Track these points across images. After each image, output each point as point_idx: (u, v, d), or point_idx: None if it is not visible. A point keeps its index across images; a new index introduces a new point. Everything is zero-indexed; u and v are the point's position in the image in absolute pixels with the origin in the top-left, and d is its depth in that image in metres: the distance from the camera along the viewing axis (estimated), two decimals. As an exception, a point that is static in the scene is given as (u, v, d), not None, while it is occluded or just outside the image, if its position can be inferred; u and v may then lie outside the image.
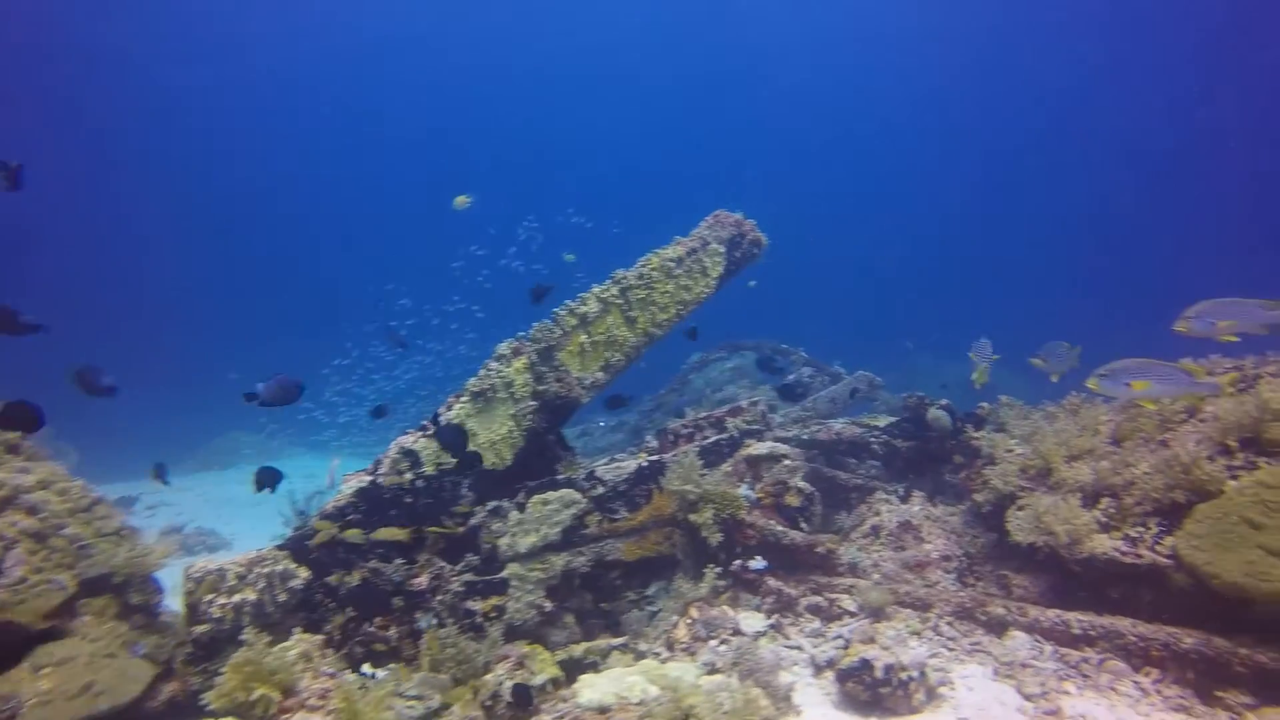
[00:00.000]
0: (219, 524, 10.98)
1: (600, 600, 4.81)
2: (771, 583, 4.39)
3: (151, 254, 34.65)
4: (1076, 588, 4.39)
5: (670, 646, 4.21)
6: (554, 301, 5.12)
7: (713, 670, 3.58)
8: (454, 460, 4.40)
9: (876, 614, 4.24)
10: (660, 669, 2.97)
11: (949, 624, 4.18)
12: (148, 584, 3.66)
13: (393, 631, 4.17)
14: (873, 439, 6.77)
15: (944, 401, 6.30)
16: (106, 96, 31.74)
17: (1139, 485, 4.18)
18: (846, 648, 3.76)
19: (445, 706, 3.40)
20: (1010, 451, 5.11)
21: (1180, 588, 3.87)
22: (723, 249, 5.74)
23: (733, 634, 4.17)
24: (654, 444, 5.66)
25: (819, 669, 3.79)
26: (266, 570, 3.74)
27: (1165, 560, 3.91)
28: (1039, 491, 4.69)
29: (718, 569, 4.46)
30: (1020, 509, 4.56)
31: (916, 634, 4.11)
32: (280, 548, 3.96)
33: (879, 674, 3.44)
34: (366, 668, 3.67)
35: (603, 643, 4.47)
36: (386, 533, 3.90)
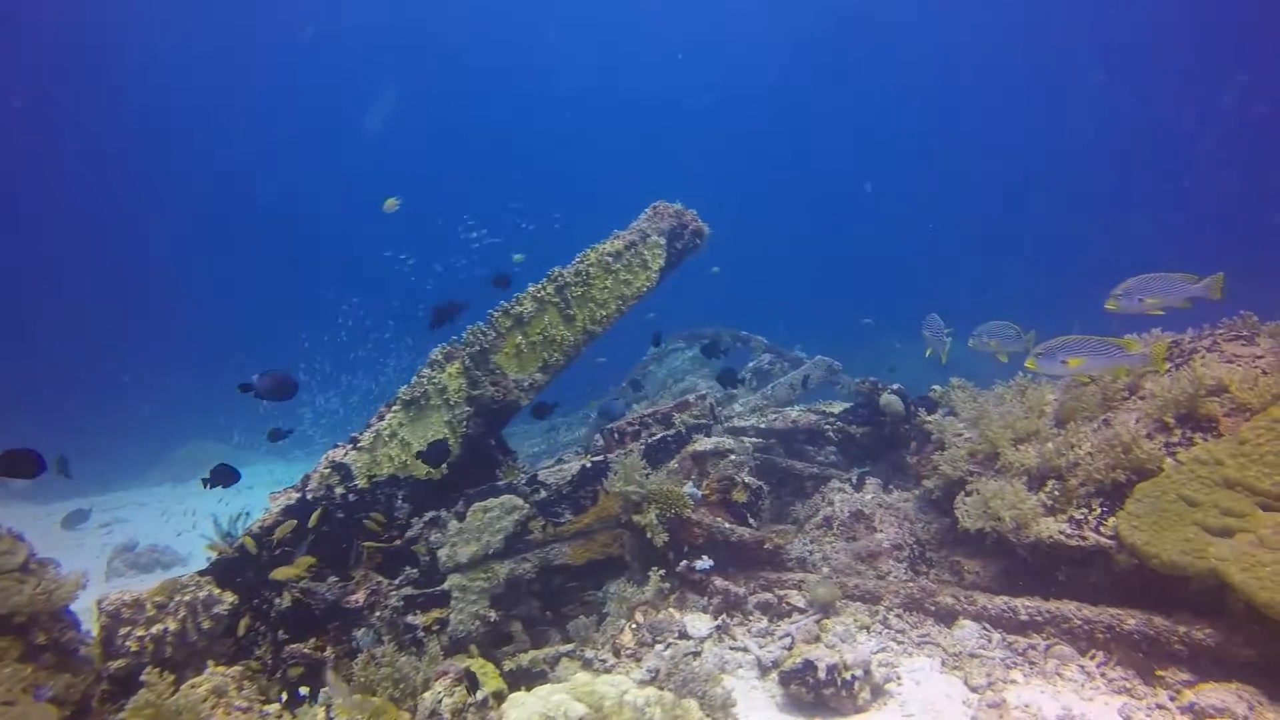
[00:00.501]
0: (176, 540, 10.70)
1: (548, 607, 4.71)
2: (718, 582, 4.31)
3: (113, 256, 33.99)
4: (1027, 571, 4.36)
5: (617, 653, 4.12)
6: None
7: (655, 678, 3.49)
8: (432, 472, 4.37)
9: (825, 609, 4.18)
10: (588, 685, 2.87)
11: (898, 616, 4.13)
12: (57, 620, 3.48)
13: (330, 652, 4.03)
14: (828, 426, 6.73)
15: (896, 386, 6.26)
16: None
17: (1082, 466, 4.16)
18: (790, 648, 3.69)
19: (378, 731, 3.27)
20: (959, 436, 5.07)
21: (1124, 568, 3.85)
22: (663, 241, 5.61)
23: (679, 637, 4.09)
24: (600, 443, 5.55)
25: (765, 670, 3.72)
26: (188, 598, 3.57)
27: (1108, 541, 3.89)
28: (987, 476, 4.66)
29: (662, 571, 4.37)
30: (968, 494, 4.52)
31: (865, 628, 4.05)
32: (203, 573, 3.80)
33: (822, 675, 3.37)
34: (303, 690, 3.53)
35: (551, 650, 4.38)
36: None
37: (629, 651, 4.05)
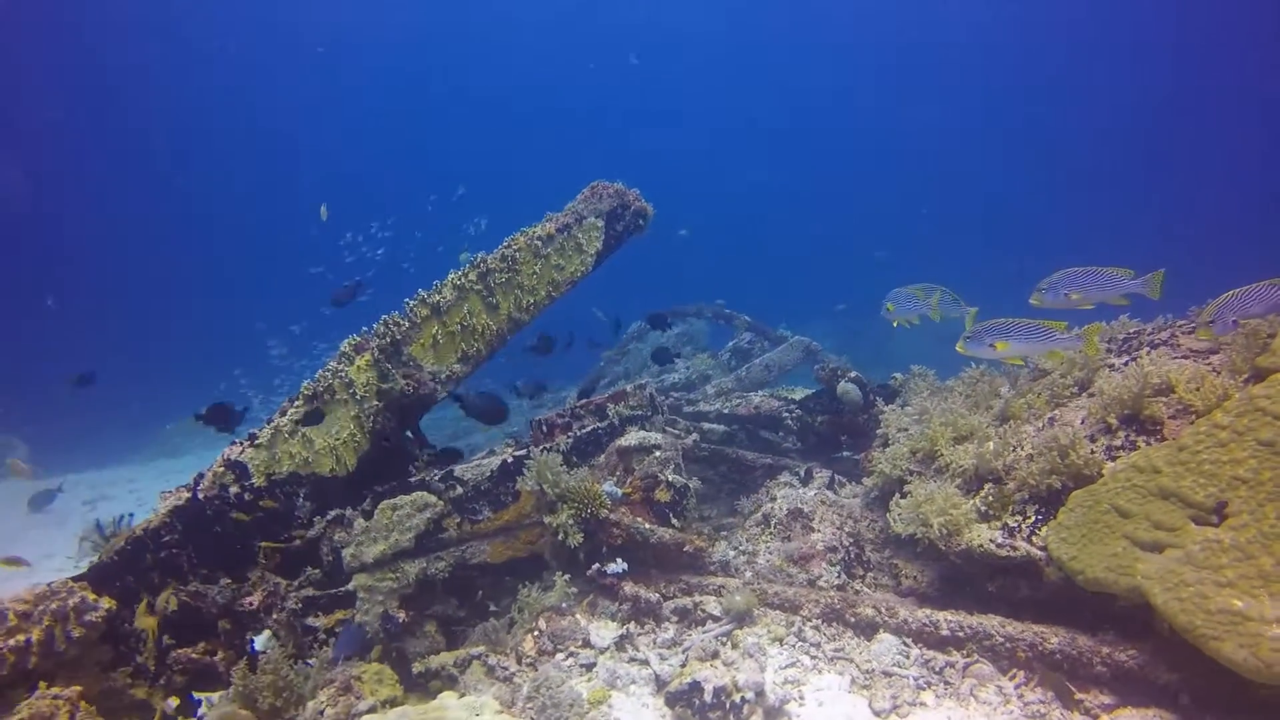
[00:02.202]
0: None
1: (466, 606, 4.55)
2: (628, 588, 4.09)
3: (98, 234, 34.22)
4: (961, 579, 4.11)
5: (519, 660, 3.94)
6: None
7: (534, 696, 3.29)
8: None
9: (740, 619, 3.96)
10: (434, 711, 2.68)
11: (815, 628, 3.90)
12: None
13: (220, 656, 3.90)
14: (787, 414, 6.47)
15: (853, 373, 5.97)
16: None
17: (1019, 470, 3.87)
18: (683, 666, 3.47)
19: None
20: (903, 431, 4.79)
21: (1054, 582, 3.57)
22: (601, 223, 5.34)
23: (582, 645, 3.90)
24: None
25: (661, 686, 3.51)
26: (55, 605, 3.44)
27: (1039, 552, 3.61)
28: (927, 476, 4.39)
29: (567, 575, 4.17)
30: (903, 496, 4.26)
31: (779, 640, 3.82)
32: (77, 579, 3.66)
33: (708, 697, 3.16)
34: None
35: (463, 653, 4.20)
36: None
37: (529, 660, 3.87)
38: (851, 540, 4.67)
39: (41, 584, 3.53)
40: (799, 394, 6.81)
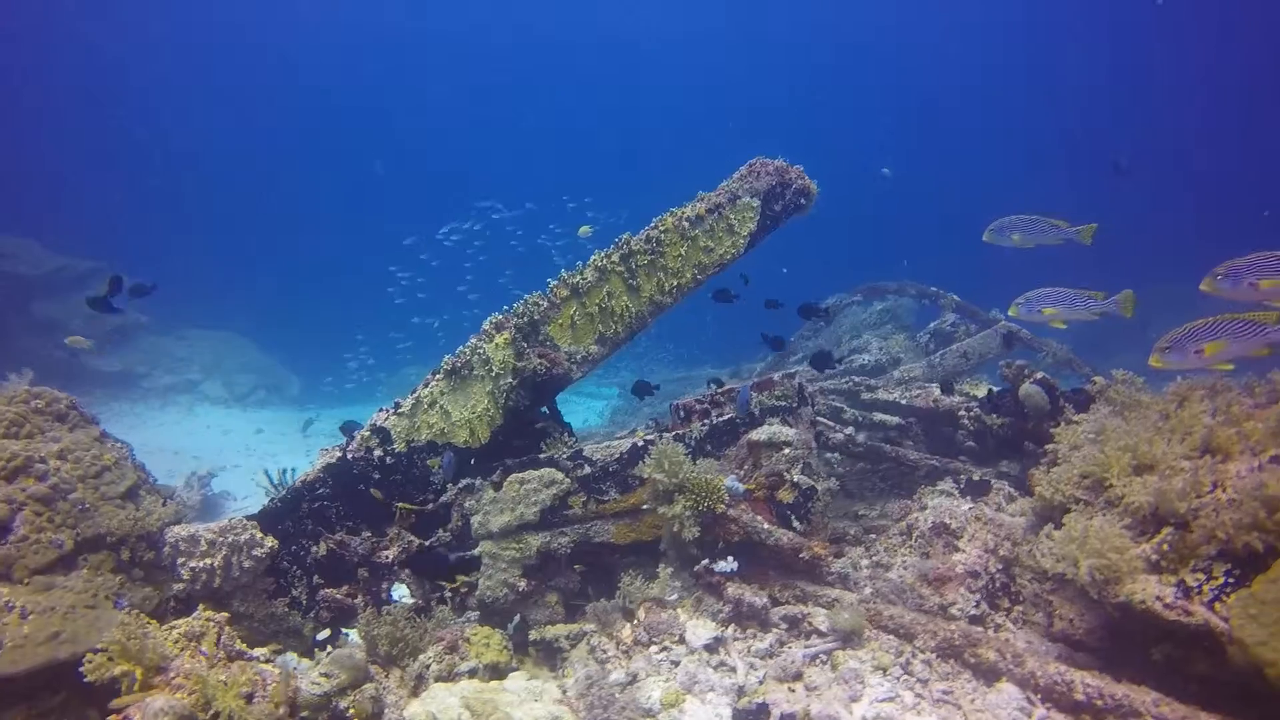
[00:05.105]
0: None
1: (592, 582, 4.68)
2: (730, 589, 3.94)
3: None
4: (1122, 636, 3.46)
5: (618, 645, 3.99)
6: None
7: (584, 694, 3.30)
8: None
9: (847, 639, 3.67)
10: (491, 691, 2.78)
11: (926, 662, 3.50)
12: (143, 542, 4.13)
13: (359, 600, 4.38)
14: (964, 412, 5.83)
15: (1040, 375, 5.21)
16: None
17: (1207, 516, 3.14)
18: (760, 684, 3.28)
19: (354, 684, 3.50)
20: (1076, 450, 4.09)
21: (1239, 664, 2.88)
22: (757, 202, 5.08)
23: (678, 641, 3.84)
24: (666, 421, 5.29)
25: (740, 697, 3.37)
26: (231, 539, 4.07)
27: (1221, 624, 2.94)
28: (1096, 506, 3.72)
29: (670, 569, 4.11)
30: (1059, 527, 3.65)
31: (883, 669, 3.49)
32: (250, 517, 4.29)
33: (772, 724, 2.97)
34: (292, 656, 3.88)
35: (576, 628, 4.37)
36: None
37: (624, 648, 3.90)
38: (1001, 567, 4.12)
39: (224, 519, 4.19)
40: (983, 389, 6.08)
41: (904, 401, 6.53)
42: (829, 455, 6.30)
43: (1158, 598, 3.11)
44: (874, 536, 4.95)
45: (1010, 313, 4.63)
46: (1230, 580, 3.02)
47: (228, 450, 14.01)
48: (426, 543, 4.45)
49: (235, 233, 33.67)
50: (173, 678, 3.06)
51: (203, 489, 9.84)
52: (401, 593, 4.46)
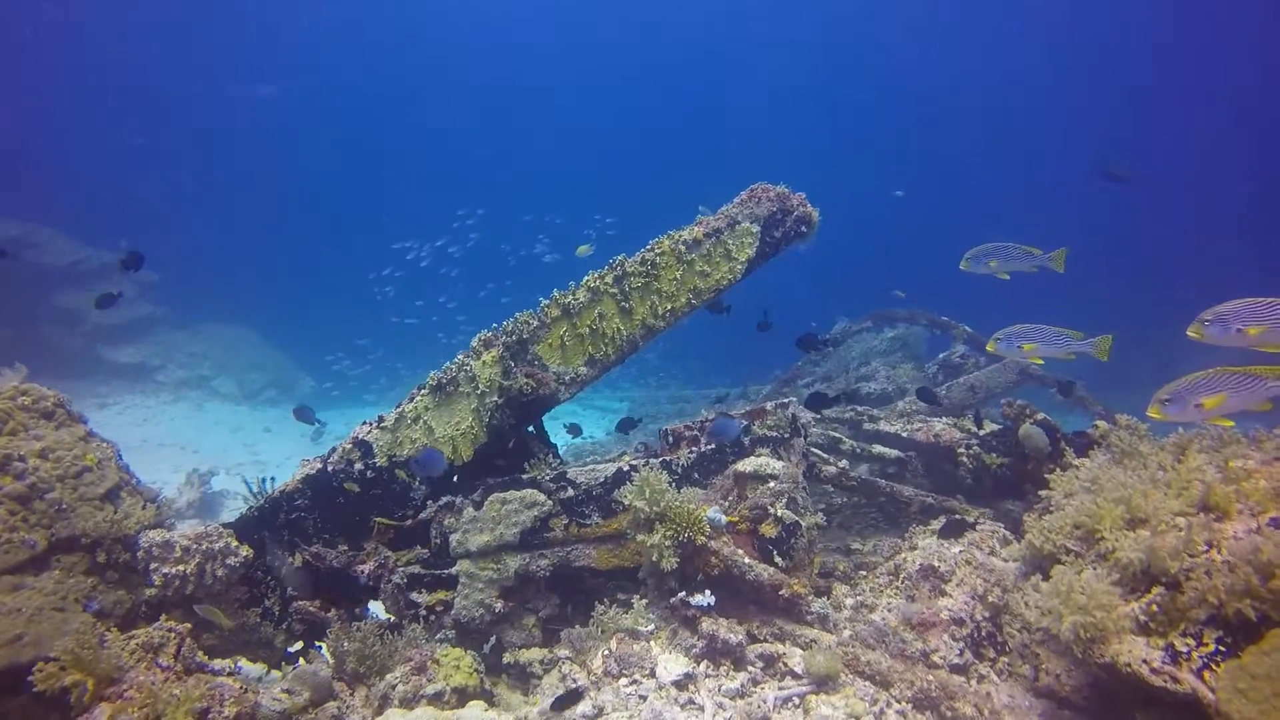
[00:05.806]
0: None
1: (571, 607, 4.60)
2: (705, 625, 3.84)
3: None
4: (1114, 696, 3.33)
5: (589, 675, 3.90)
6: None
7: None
8: None
9: (822, 682, 3.56)
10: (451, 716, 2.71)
11: (900, 712, 3.38)
12: (118, 544, 4.10)
13: (332, 613, 4.33)
14: (964, 449, 5.70)
15: (1040, 416, 5.08)
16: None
17: (1197, 579, 3.01)
18: (725, 727, 3.18)
19: (316, 703, 3.44)
20: (1070, 497, 3.96)
21: (1225, 737, 2.75)
22: (756, 228, 5.01)
23: (648, 675, 3.75)
24: (655, 446, 5.21)
25: (705, 742, 3.27)
26: (206, 546, 4.03)
27: (1209, 694, 2.80)
28: (1084, 559, 3.60)
29: (644, 600, 4.01)
30: (1045, 578, 3.52)
31: (856, 718, 3.37)
32: (227, 525, 4.26)
33: (732, 772, 2.87)
34: (243, 662, 3.83)
35: (549, 654, 4.30)
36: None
37: (593, 679, 3.81)
38: (989, 615, 3.99)
39: (201, 526, 4.16)
40: (988, 427, 5.94)
41: (904, 434, 6.41)
42: (825, 487, 6.19)
43: (1144, 661, 2.98)
44: (864, 573, 4.84)
45: (989, 348, 4.59)
46: (1221, 648, 2.89)
47: (233, 448, 14.08)
48: (403, 559, 4.39)
49: (258, 229, 34.18)
50: (125, 690, 3.01)
51: (202, 487, 9.87)
52: (377, 609, 4.41)
